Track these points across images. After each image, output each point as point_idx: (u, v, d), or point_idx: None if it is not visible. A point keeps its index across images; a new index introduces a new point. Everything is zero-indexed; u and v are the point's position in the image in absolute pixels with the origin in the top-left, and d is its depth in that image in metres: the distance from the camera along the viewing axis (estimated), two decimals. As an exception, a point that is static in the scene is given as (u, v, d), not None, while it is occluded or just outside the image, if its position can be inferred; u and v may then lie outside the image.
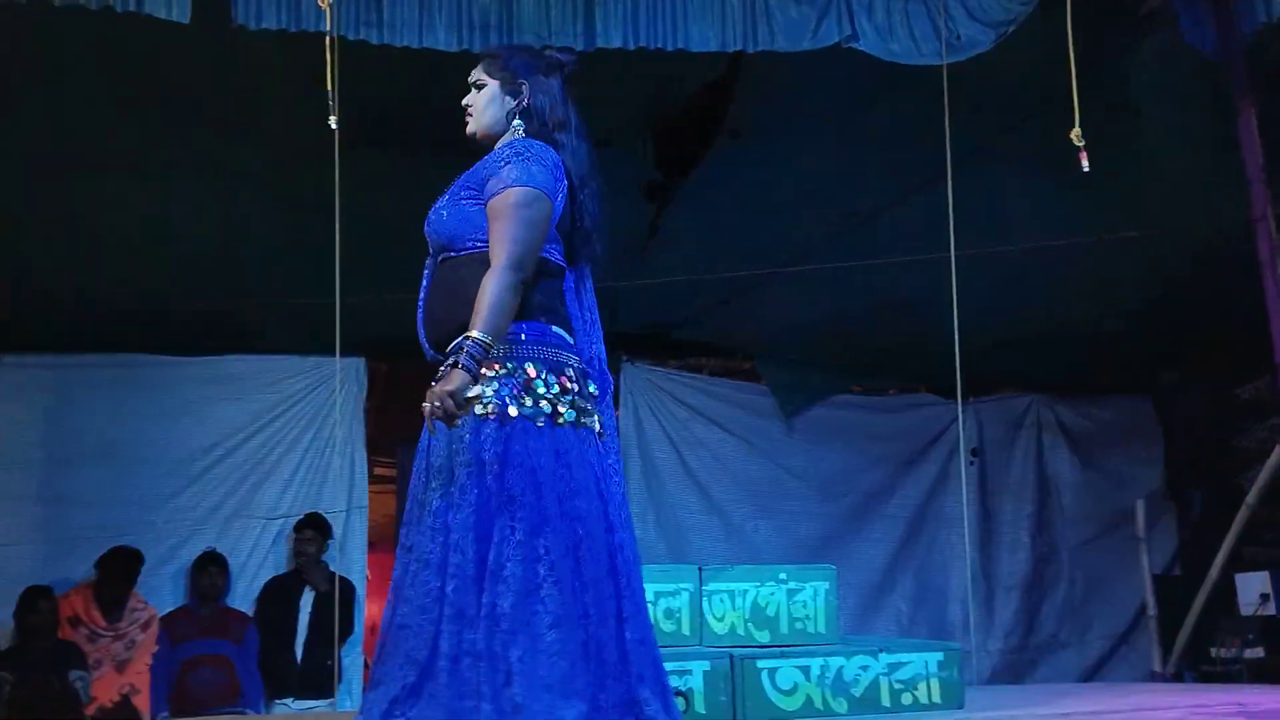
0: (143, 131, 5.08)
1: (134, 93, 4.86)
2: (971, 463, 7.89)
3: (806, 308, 6.95)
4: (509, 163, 2.75)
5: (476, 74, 2.94)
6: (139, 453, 6.52)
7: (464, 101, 2.95)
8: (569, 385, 2.69)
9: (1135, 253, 5.94)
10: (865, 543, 7.81)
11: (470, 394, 2.56)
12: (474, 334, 2.57)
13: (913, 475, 7.88)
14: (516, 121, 2.88)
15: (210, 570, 6.39)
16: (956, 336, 4.76)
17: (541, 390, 2.65)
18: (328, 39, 4.07)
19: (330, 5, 4.07)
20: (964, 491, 5.83)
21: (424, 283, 2.86)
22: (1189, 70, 4.99)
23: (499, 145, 2.85)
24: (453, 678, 2.50)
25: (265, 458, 6.67)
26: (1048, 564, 8.06)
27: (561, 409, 2.66)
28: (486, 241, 2.70)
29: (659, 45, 4.41)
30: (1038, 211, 5.89)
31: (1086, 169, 4.38)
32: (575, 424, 2.68)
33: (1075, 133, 4.37)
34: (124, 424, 6.49)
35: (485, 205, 2.73)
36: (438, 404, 2.52)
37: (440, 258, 2.82)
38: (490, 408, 2.61)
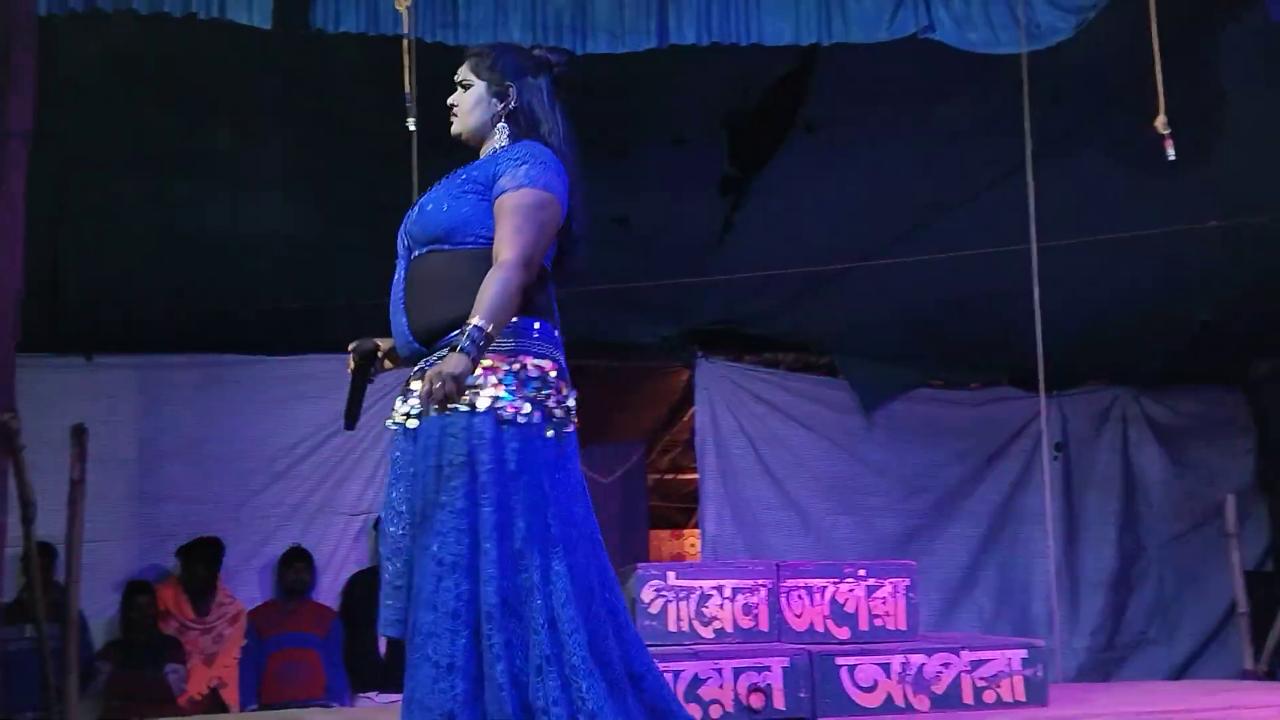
0: (227, 135, 5.20)
1: (219, 98, 4.97)
2: (1055, 457, 7.77)
3: (885, 302, 6.90)
4: (525, 163, 2.71)
5: (463, 73, 2.89)
6: (226, 450, 6.65)
7: (449, 101, 2.89)
8: (565, 389, 2.69)
9: (1224, 241, 5.80)
10: (947, 539, 7.73)
11: (472, 382, 2.54)
12: (477, 321, 2.51)
13: (995, 470, 7.78)
14: (502, 125, 2.84)
15: (296, 565, 6.51)
16: (1039, 329, 4.69)
17: (548, 391, 2.65)
18: (405, 41, 4.12)
19: (408, 8, 4.12)
20: (1047, 487, 5.73)
21: (401, 274, 2.79)
22: (1278, 51, 4.86)
23: (507, 146, 2.80)
24: (515, 684, 2.47)
25: (348, 455, 6.76)
26: (1135, 560, 7.91)
27: (560, 413, 2.67)
28: (488, 237, 2.67)
29: (733, 40, 4.39)
30: (1122, 201, 5.78)
31: (1172, 157, 4.29)
32: (568, 428, 2.69)
33: (1160, 120, 4.29)
34: (211, 422, 6.63)
35: (494, 201, 2.69)
36: (439, 384, 2.45)
37: (428, 249, 2.73)
38: (507, 407, 2.58)
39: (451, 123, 2.90)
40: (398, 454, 2.73)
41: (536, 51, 2.98)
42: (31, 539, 4.04)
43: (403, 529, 2.66)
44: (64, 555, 4.96)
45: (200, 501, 6.57)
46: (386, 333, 2.84)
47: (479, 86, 2.86)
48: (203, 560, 6.38)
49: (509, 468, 2.56)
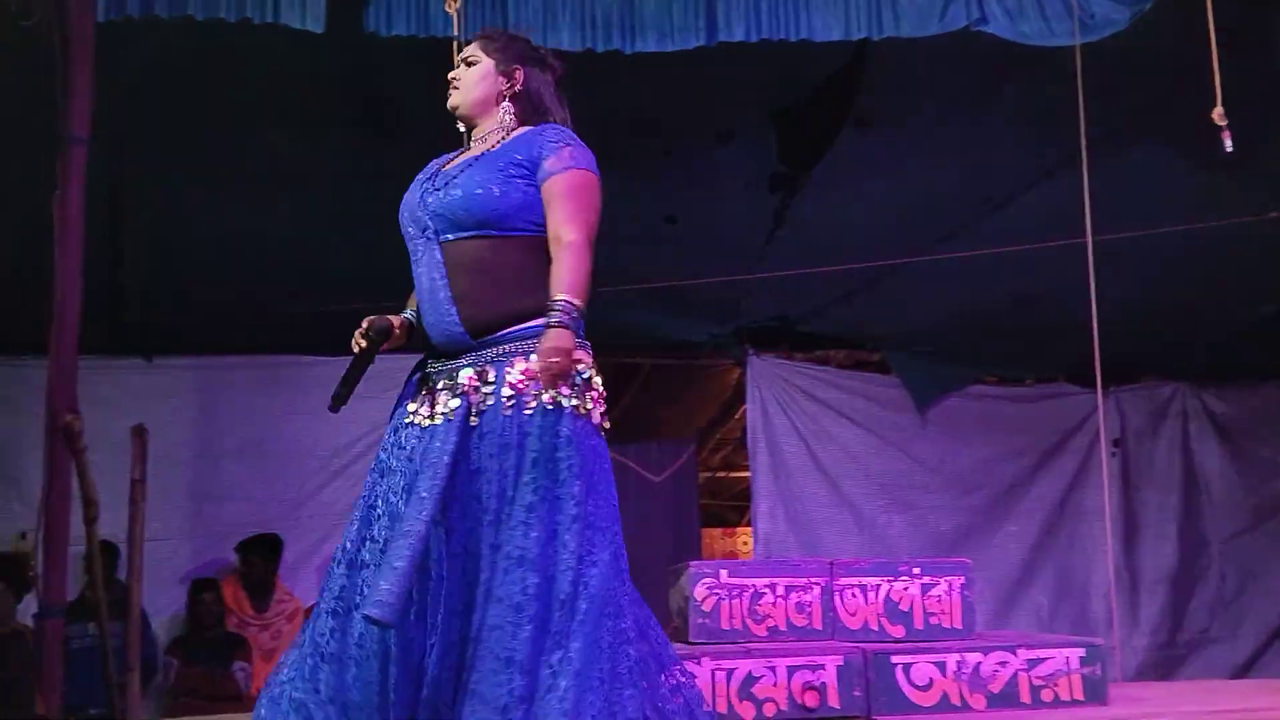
0: (284, 138, 5.25)
1: (275, 101, 5.03)
2: (1113, 454, 7.68)
3: (938, 298, 6.84)
4: (569, 145, 2.71)
5: (470, 50, 2.87)
6: (283, 450, 6.74)
7: (451, 75, 2.86)
8: (598, 382, 2.72)
9: (1285, 234, 5.70)
10: (1003, 537, 7.67)
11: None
12: (569, 297, 2.54)
13: (1052, 467, 7.70)
14: (506, 104, 2.82)
15: (353, 564, 6.57)
16: (1095, 323, 4.64)
17: (594, 384, 2.67)
18: (455, 43, 4.14)
19: (458, 10, 4.14)
20: (1105, 483, 5.66)
21: (434, 259, 2.69)
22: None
23: (539, 128, 2.77)
24: (615, 673, 2.50)
25: (404, 453, 6.82)
26: (1196, 557, 7.80)
27: (602, 405, 2.70)
28: (540, 225, 2.66)
29: (782, 36, 4.37)
30: (1180, 193, 5.69)
31: (1230, 149, 4.22)
32: (606, 422, 2.73)
33: (1218, 112, 4.22)
34: (268, 422, 6.71)
35: (541, 184, 2.67)
36: (556, 360, 2.47)
37: (469, 234, 2.66)
38: (574, 400, 2.58)
39: (449, 95, 2.86)
40: (413, 447, 2.63)
41: (541, 51, 2.98)
42: (94, 538, 4.10)
43: (420, 515, 2.51)
44: (126, 553, 5.05)
45: (259, 500, 6.66)
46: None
47: (485, 63, 2.84)
48: (262, 556, 6.47)
49: (582, 463, 2.57)
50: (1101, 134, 4.73)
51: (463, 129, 2.93)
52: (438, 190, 2.73)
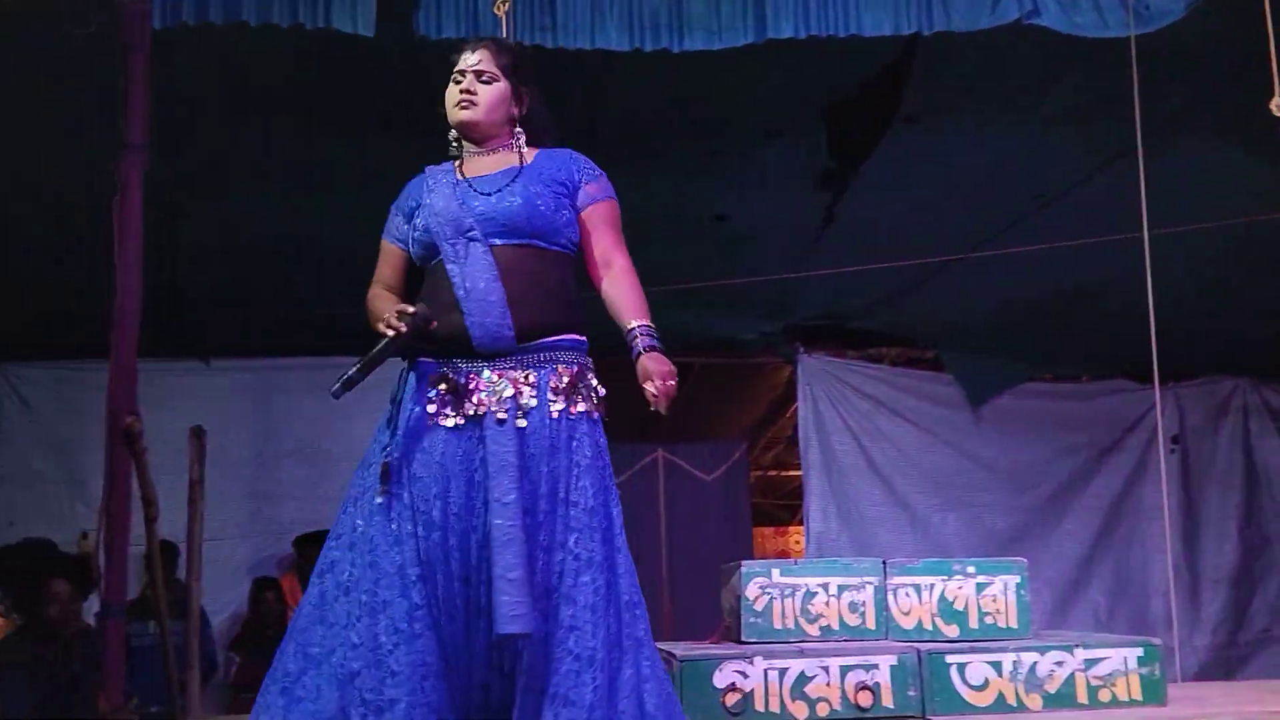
0: (338, 143, 5.30)
1: (329, 106, 5.08)
2: (1172, 450, 7.59)
3: (991, 294, 6.78)
4: (602, 173, 2.87)
5: (487, 64, 2.85)
6: (339, 449, 6.78)
7: (468, 87, 2.84)
8: None
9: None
10: (1060, 536, 7.60)
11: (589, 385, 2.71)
12: (648, 321, 2.71)
13: (1109, 465, 7.63)
14: (518, 129, 2.88)
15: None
16: (1152, 318, 4.57)
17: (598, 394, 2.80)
18: (499, 45, 4.16)
19: (506, 13, 4.16)
20: (1163, 481, 5.59)
21: (485, 261, 2.70)
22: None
23: (569, 153, 2.87)
24: (656, 667, 2.64)
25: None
26: (1258, 556, 7.69)
27: None
28: (574, 246, 2.80)
29: (830, 32, 4.34)
30: (1237, 186, 5.60)
31: (1289, 140, 4.15)
32: None
33: (1275, 102, 4.14)
34: (324, 423, 6.77)
35: (584, 208, 2.81)
36: (673, 382, 2.63)
37: (520, 242, 2.72)
38: (599, 410, 2.73)
39: (469, 106, 2.84)
40: (442, 449, 2.62)
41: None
42: (154, 538, 4.17)
43: (513, 521, 2.55)
44: (185, 553, 5.12)
45: (316, 499, 6.73)
46: None
47: (503, 85, 2.86)
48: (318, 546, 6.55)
49: (611, 473, 2.71)
50: (1157, 126, 4.66)
51: (457, 138, 2.92)
52: (486, 195, 2.76)
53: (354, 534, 2.69)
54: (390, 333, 2.60)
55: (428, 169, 2.95)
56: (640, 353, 2.67)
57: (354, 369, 2.57)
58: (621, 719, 2.53)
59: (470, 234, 2.72)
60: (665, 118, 5.10)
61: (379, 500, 2.65)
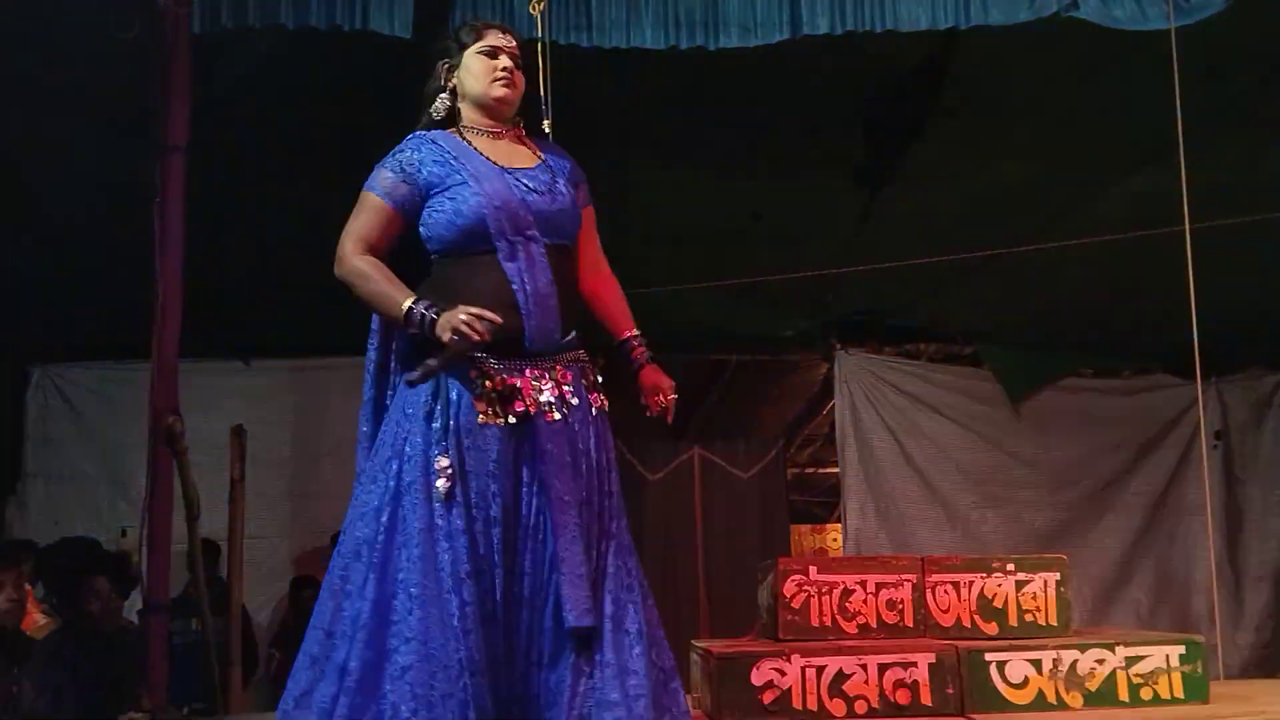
0: (377, 144, 5.33)
1: (369, 107, 5.10)
2: (1215, 446, 7.50)
3: (1030, 290, 6.73)
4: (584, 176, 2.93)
5: (513, 48, 2.91)
6: (377, 449, 6.84)
7: (510, 66, 2.86)
8: None
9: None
10: (1101, 533, 7.54)
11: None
12: (639, 333, 2.88)
13: (1150, 461, 7.55)
14: (519, 118, 2.94)
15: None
16: (1193, 313, 4.52)
17: None
18: (539, 45, 4.17)
19: (541, 13, 4.17)
20: (1205, 477, 5.53)
21: (543, 265, 2.71)
22: None
23: (560, 149, 2.93)
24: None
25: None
26: (1302, 553, 7.58)
27: None
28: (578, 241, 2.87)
29: (867, 27, 4.33)
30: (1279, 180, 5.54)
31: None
32: None
33: (1320, 92, 4.09)
34: (363, 422, 6.82)
35: (583, 208, 2.88)
36: (675, 397, 2.79)
37: (564, 243, 2.80)
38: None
39: (509, 85, 2.85)
40: (496, 448, 2.63)
41: None
42: (196, 536, 4.21)
43: (577, 519, 2.63)
44: (226, 551, 5.18)
45: (354, 499, 6.77)
46: None
47: (520, 75, 2.92)
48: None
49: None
50: (1198, 120, 4.61)
51: (450, 106, 2.93)
52: (539, 194, 2.76)
53: (404, 530, 2.61)
54: (476, 338, 2.56)
55: (431, 134, 2.91)
56: (643, 365, 2.84)
57: (434, 360, 2.61)
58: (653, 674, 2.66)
59: (529, 234, 2.71)
60: (701, 114, 5.10)
61: (438, 498, 2.59)
